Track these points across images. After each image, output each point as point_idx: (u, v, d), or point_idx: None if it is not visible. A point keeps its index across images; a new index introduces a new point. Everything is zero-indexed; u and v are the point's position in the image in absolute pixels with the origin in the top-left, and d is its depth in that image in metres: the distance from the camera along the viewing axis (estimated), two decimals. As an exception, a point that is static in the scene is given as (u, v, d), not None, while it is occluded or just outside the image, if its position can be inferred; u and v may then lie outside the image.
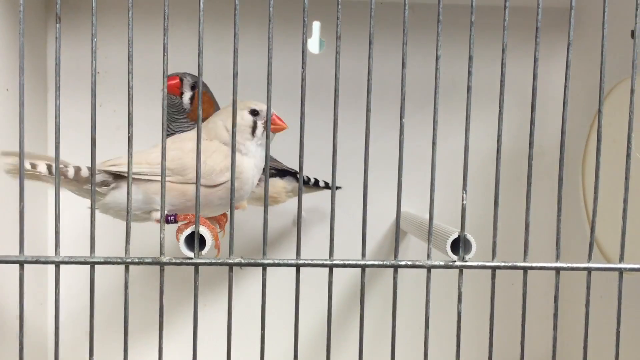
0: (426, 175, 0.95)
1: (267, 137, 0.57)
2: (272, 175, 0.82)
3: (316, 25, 0.95)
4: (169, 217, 0.67)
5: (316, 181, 0.87)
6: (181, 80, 0.77)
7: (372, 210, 0.88)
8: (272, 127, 0.66)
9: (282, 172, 0.84)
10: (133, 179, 0.61)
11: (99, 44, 0.92)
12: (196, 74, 0.58)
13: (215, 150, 0.68)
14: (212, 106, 0.82)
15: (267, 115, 0.56)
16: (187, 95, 0.78)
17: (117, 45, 0.93)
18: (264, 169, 0.75)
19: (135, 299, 0.94)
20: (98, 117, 0.56)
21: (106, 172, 0.67)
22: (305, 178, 0.87)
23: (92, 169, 0.55)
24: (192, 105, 0.78)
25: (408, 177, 0.57)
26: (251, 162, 0.69)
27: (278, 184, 0.83)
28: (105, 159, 0.68)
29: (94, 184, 0.55)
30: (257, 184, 0.80)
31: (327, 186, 0.87)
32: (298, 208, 0.57)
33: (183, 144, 0.68)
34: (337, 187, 0.55)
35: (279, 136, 0.74)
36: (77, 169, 0.66)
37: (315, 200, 0.90)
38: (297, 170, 0.57)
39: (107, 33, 0.93)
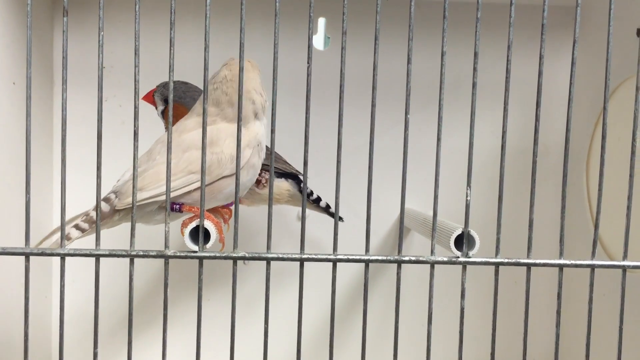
0: (429, 172, 0.95)
1: (272, 132, 0.57)
2: (278, 176, 0.83)
3: (321, 22, 0.95)
4: (174, 206, 0.66)
5: (318, 198, 0.86)
6: (154, 92, 0.80)
7: (375, 206, 0.88)
8: None
9: (288, 175, 0.84)
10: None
11: (105, 39, 0.92)
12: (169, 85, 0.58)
13: (227, 136, 0.66)
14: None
15: (272, 111, 0.57)
16: (159, 108, 0.81)
17: (123, 40, 0.93)
18: (268, 170, 0.76)
19: (139, 292, 0.95)
20: (103, 111, 0.56)
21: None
22: (309, 191, 0.87)
23: (98, 163, 0.55)
24: (163, 118, 0.81)
25: (412, 174, 0.57)
26: (263, 127, 0.68)
27: (282, 186, 0.83)
28: (121, 185, 0.68)
29: (99, 176, 0.56)
30: (264, 186, 0.80)
31: (327, 209, 0.86)
32: (302, 203, 0.57)
33: (194, 141, 0.66)
34: (340, 219, 0.55)
35: (285, 132, 0.74)
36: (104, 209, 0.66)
37: (320, 195, 0.90)
38: (303, 173, 0.57)
39: (113, 28, 0.93)
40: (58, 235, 0.63)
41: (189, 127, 0.68)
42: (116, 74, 0.94)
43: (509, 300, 0.93)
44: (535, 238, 0.59)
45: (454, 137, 0.96)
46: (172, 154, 0.62)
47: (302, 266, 0.58)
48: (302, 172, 0.81)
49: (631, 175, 0.58)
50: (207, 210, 0.72)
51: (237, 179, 0.56)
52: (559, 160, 0.96)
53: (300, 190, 0.83)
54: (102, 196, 0.67)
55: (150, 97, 0.80)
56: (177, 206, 0.66)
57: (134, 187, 0.56)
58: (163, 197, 0.64)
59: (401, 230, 0.58)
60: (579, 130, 0.91)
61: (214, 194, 0.67)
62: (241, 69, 0.55)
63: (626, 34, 0.78)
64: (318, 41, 0.96)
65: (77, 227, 0.64)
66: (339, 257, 0.57)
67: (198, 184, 0.65)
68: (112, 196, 0.66)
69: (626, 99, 0.79)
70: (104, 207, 0.66)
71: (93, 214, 0.65)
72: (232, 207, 0.76)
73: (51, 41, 0.92)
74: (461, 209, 0.59)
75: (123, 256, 0.56)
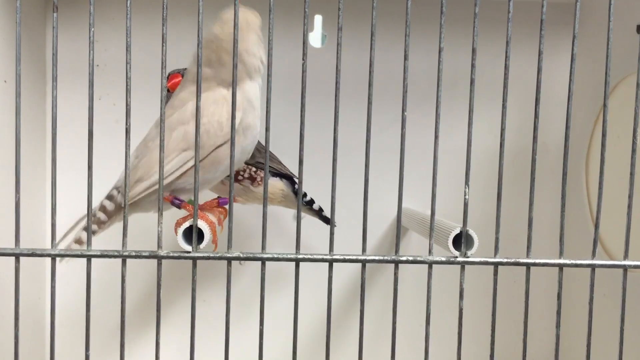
0: (426, 171, 0.94)
1: (267, 129, 0.56)
2: (273, 175, 0.82)
3: (318, 19, 0.94)
4: (175, 201, 0.65)
5: (311, 200, 0.85)
6: (183, 76, 0.77)
7: (372, 205, 0.87)
8: None
9: (282, 175, 0.83)
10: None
11: (98, 37, 0.92)
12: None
13: (210, 104, 0.63)
14: None
15: (266, 109, 0.56)
16: None
17: (117, 38, 0.92)
18: (262, 167, 0.75)
19: (132, 293, 0.94)
20: (97, 110, 0.55)
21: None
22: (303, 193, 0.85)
23: (89, 160, 0.54)
24: None
25: (408, 172, 0.56)
26: (258, 88, 0.66)
27: (277, 185, 0.82)
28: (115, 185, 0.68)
29: (90, 176, 0.54)
30: (259, 184, 0.79)
31: (320, 213, 0.85)
32: (298, 202, 0.56)
33: (181, 118, 0.64)
34: (331, 222, 0.54)
35: (280, 130, 0.73)
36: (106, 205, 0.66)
37: (315, 195, 0.89)
38: (298, 172, 0.56)
39: (106, 25, 0.92)
40: (71, 236, 0.65)
41: (174, 105, 0.65)
42: (109, 72, 0.92)
43: (507, 300, 0.92)
44: (533, 237, 0.58)
45: (451, 135, 0.95)
46: (154, 137, 0.64)
47: (297, 266, 0.57)
48: (296, 173, 0.81)
49: (632, 174, 0.57)
50: (203, 207, 0.71)
51: (232, 171, 0.55)
52: (557, 159, 0.95)
53: (294, 192, 0.82)
54: (104, 194, 0.67)
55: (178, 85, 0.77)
56: (178, 202, 0.65)
57: (125, 185, 0.55)
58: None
59: (398, 229, 0.57)
60: (578, 129, 0.91)
61: (214, 166, 0.64)
62: (235, 66, 0.54)
63: (626, 30, 0.77)
64: (314, 39, 0.95)
65: (85, 230, 0.63)
66: (335, 257, 0.56)
67: (192, 162, 0.62)
68: (115, 192, 0.66)
69: (626, 97, 0.79)
70: (109, 205, 0.66)
71: (100, 214, 0.65)
72: (227, 207, 0.75)
73: (43, 39, 0.90)
74: (457, 208, 0.58)
75: (115, 256, 0.55)
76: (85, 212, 0.64)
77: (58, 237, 0.57)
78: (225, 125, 0.63)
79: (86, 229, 0.62)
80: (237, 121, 0.61)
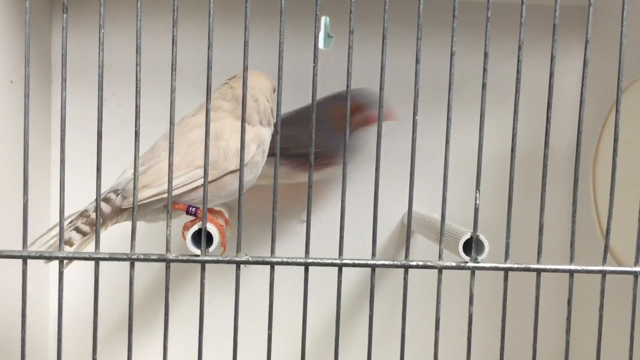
0: (433, 174, 0.94)
1: (277, 133, 0.56)
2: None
3: (325, 21, 0.94)
4: (190, 209, 0.64)
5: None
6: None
7: (379, 209, 0.87)
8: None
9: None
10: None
11: (105, 37, 0.91)
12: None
13: (232, 130, 0.65)
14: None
15: (277, 112, 0.55)
16: None
17: (123, 38, 0.92)
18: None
19: (140, 295, 0.93)
20: (103, 110, 0.55)
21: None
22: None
23: (97, 163, 0.54)
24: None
25: (416, 176, 0.56)
26: (268, 134, 0.69)
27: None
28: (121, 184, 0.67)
29: (99, 177, 0.54)
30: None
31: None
32: (307, 205, 0.56)
33: (199, 135, 0.64)
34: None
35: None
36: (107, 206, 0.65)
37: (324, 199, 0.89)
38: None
39: (113, 26, 0.92)
40: (55, 236, 0.62)
41: (192, 123, 0.66)
42: (116, 72, 0.92)
43: (514, 304, 0.91)
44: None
45: (457, 139, 0.94)
46: (176, 149, 0.62)
47: (307, 271, 0.56)
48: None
49: (643, 179, 0.56)
50: (210, 213, 0.70)
51: (241, 175, 0.55)
52: (564, 163, 0.95)
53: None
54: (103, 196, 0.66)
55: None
56: (194, 209, 0.64)
57: (134, 187, 0.54)
58: (162, 194, 0.63)
59: (408, 234, 0.57)
60: (585, 132, 0.90)
61: (218, 190, 0.65)
62: (245, 68, 0.53)
63: (635, 34, 0.77)
64: (320, 40, 0.94)
65: (77, 230, 0.62)
66: (344, 261, 0.56)
67: (201, 181, 0.63)
68: (112, 195, 0.65)
69: (635, 101, 0.78)
70: (105, 207, 0.64)
71: (93, 215, 0.63)
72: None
73: (49, 39, 0.90)
74: (464, 212, 0.58)
75: (123, 260, 0.55)
76: (83, 212, 0.64)
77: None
78: (250, 150, 0.66)
79: (77, 229, 0.62)
80: (249, 155, 0.65)
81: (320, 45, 0.94)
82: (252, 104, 0.67)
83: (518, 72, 0.55)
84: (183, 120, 0.68)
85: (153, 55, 0.87)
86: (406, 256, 0.57)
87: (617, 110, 0.56)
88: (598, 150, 0.89)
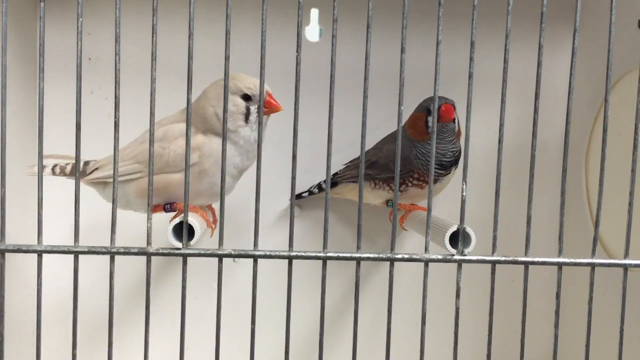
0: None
1: (260, 123, 0.55)
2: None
3: (314, 13, 0.93)
4: (166, 206, 0.67)
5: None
6: (454, 107, 0.81)
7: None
8: (265, 109, 0.65)
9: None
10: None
11: (91, 30, 0.90)
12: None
13: (179, 135, 0.67)
14: None
15: (260, 100, 0.54)
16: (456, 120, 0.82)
17: (109, 31, 0.90)
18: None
19: (122, 290, 0.92)
20: (89, 104, 0.54)
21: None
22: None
23: (76, 155, 0.53)
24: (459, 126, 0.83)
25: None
26: (232, 148, 0.67)
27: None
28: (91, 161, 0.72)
29: (78, 170, 0.53)
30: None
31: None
32: (291, 199, 0.55)
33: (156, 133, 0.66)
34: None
35: (274, 125, 0.71)
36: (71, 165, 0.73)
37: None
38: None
39: (99, 18, 0.90)
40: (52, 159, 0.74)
41: (162, 124, 0.70)
42: (102, 65, 0.91)
43: (505, 298, 0.90)
44: (531, 235, 0.57)
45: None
46: (134, 144, 0.71)
47: (290, 264, 0.55)
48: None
49: (633, 171, 0.56)
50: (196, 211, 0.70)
51: (223, 173, 0.54)
52: (557, 156, 0.94)
53: None
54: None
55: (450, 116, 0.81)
56: (169, 206, 0.68)
57: (114, 180, 0.53)
58: (111, 179, 0.68)
59: (394, 226, 0.56)
60: (577, 125, 0.89)
61: (163, 186, 0.68)
62: (227, 58, 0.52)
63: (627, 26, 0.76)
64: (311, 33, 0.93)
65: (55, 166, 0.73)
66: (329, 254, 0.55)
67: (139, 175, 0.68)
68: (92, 163, 0.73)
69: (627, 93, 0.77)
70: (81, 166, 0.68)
71: (68, 168, 0.73)
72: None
73: (35, 31, 0.89)
74: (454, 205, 0.57)
75: (103, 253, 0.54)
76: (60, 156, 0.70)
77: (48, 234, 0.56)
78: (179, 160, 0.66)
79: (55, 166, 0.73)
80: (192, 160, 0.65)
81: (311, 37, 0.93)
82: (200, 112, 0.67)
83: (505, 61, 0.54)
84: (162, 121, 0.70)
85: (140, 48, 0.86)
86: (392, 249, 0.56)
87: (605, 100, 0.55)
88: (590, 143, 0.88)
